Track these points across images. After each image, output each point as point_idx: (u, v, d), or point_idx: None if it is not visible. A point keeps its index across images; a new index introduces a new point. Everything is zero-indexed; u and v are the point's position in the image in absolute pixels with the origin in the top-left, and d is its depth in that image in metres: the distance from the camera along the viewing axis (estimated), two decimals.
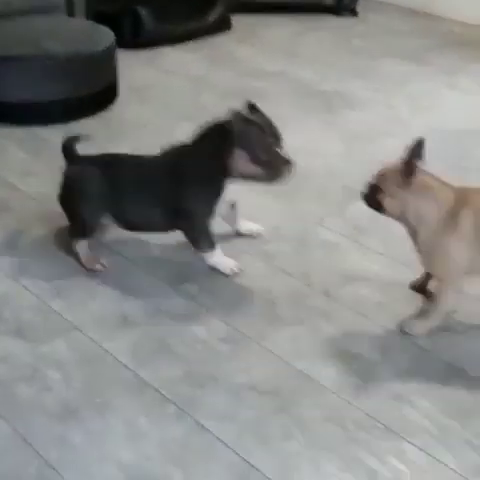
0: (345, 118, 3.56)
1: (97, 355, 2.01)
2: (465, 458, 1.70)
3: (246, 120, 2.19)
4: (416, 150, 1.99)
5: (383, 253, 2.45)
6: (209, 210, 2.27)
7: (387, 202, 2.03)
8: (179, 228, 2.33)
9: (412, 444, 1.73)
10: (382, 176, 2.05)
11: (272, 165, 2.19)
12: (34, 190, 2.80)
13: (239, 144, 2.17)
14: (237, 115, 2.18)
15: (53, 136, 3.22)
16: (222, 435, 1.75)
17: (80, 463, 1.68)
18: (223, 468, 1.67)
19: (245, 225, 2.52)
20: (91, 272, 2.35)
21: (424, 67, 4.23)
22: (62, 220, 2.44)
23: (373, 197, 2.07)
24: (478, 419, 1.81)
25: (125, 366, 1.97)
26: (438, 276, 2.07)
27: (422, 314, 2.12)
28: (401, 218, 2.05)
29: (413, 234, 2.06)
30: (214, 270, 2.33)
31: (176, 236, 2.50)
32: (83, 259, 2.37)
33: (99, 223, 2.36)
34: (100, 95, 3.51)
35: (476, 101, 3.79)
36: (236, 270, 2.32)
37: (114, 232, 2.53)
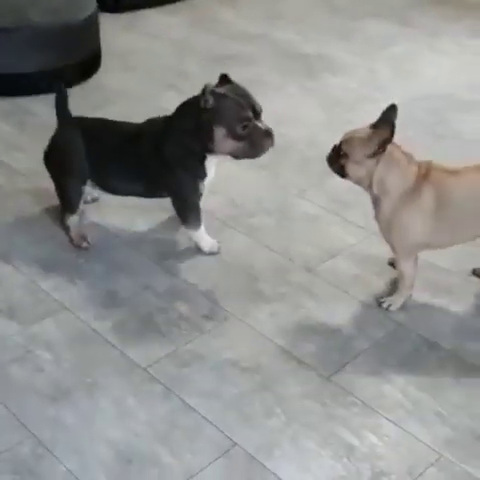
0: (326, 83, 3.59)
1: (86, 335, 2.08)
2: (437, 431, 1.80)
3: (220, 95, 2.13)
4: (391, 119, 1.99)
5: (363, 226, 2.52)
6: (196, 188, 2.29)
7: (350, 168, 2.05)
8: (165, 197, 2.36)
9: (387, 419, 1.83)
10: (349, 141, 2.04)
11: (253, 139, 2.16)
12: (22, 166, 2.83)
13: (216, 121, 2.13)
14: (211, 91, 2.12)
15: (38, 107, 3.24)
16: (207, 413, 1.83)
17: (72, 442, 1.76)
18: (207, 445, 1.75)
19: None
20: (77, 249, 2.41)
21: (406, 28, 4.24)
22: (51, 196, 2.49)
23: (337, 161, 2.08)
24: (449, 392, 1.91)
25: (113, 345, 2.04)
26: (393, 247, 2.11)
27: (394, 289, 2.20)
28: (363, 184, 2.08)
29: (375, 201, 2.10)
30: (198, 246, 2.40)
31: (161, 213, 2.56)
32: (72, 235, 2.43)
33: (83, 189, 2.39)
34: (84, 64, 3.52)
35: (456, 64, 3.82)
36: (215, 250, 2.38)
37: (101, 209, 2.59)
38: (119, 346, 2.04)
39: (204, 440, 1.77)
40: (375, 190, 2.05)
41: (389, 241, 2.12)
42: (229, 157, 2.24)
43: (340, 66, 3.76)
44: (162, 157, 2.25)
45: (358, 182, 2.08)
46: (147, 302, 2.20)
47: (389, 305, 2.16)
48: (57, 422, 1.81)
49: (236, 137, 2.14)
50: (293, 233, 2.51)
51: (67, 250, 2.41)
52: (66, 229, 2.45)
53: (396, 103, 2.00)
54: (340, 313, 2.16)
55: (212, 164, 2.28)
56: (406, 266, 2.12)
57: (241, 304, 2.19)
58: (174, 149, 2.24)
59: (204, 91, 2.12)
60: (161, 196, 2.37)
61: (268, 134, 2.16)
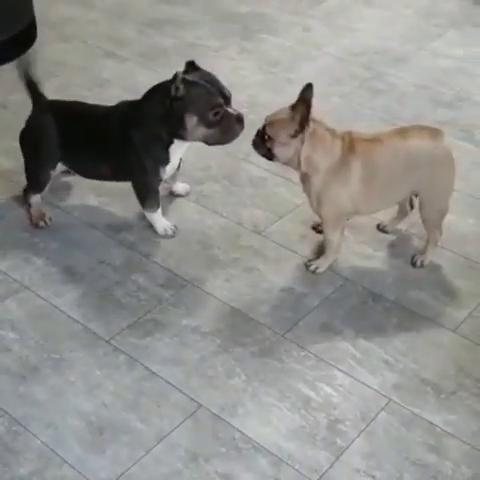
0: (263, 43, 3.64)
1: (48, 312, 2.15)
2: (385, 378, 1.94)
3: (191, 83, 2.15)
4: (306, 97, 2.01)
5: None
6: (157, 173, 2.31)
7: (277, 150, 2.10)
8: (128, 180, 2.40)
9: (339, 370, 1.96)
10: (272, 124, 2.09)
11: (224, 125, 2.18)
12: None
13: (188, 109, 2.15)
14: (182, 79, 2.13)
15: None
16: (171, 378, 1.94)
17: (45, 417, 1.85)
18: (174, 409, 1.86)
19: (178, 186, 2.60)
20: (33, 227, 2.45)
21: None
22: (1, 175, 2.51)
23: (263, 144, 2.13)
24: (395, 340, 2.05)
25: (75, 320, 2.12)
26: (323, 218, 2.20)
27: (320, 252, 2.30)
28: (292, 165, 2.14)
29: (303, 178, 2.17)
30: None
31: (111, 187, 2.62)
32: (32, 212, 2.47)
33: (51, 173, 2.43)
34: (20, 37, 3.48)
35: (390, 18, 3.90)
36: (170, 232, 2.40)
37: (51, 187, 2.63)
38: (81, 321, 2.12)
39: (171, 404, 1.88)
40: (303, 168, 2.12)
41: (319, 213, 2.20)
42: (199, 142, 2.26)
43: (276, 26, 3.81)
44: (127, 140, 2.27)
45: (287, 163, 2.14)
46: (104, 276, 2.28)
47: (316, 268, 2.26)
48: (29, 399, 1.89)
49: (208, 124, 2.17)
50: (241, 198, 2.60)
51: (20, 230, 2.45)
52: (27, 206, 2.48)
53: (312, 82, 2.02)
54: (290, 273, 2.28)
55: (176, 150, 2.30)
56: (334, 235, 2.21)
57: (196, 271, 2.28)
58: (140, 134, 2.26)
59: (175, 79, 2.13)
60: (128, 180, 2.39)
61: (239, 119, 2.19)
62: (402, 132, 2.11)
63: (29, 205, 2.48)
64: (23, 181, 2.66)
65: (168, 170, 2.35)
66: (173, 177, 2.53)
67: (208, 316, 2.13)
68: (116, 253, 2.36)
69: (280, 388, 1.91)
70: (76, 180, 2.61)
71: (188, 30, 3.74)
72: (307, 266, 2.27)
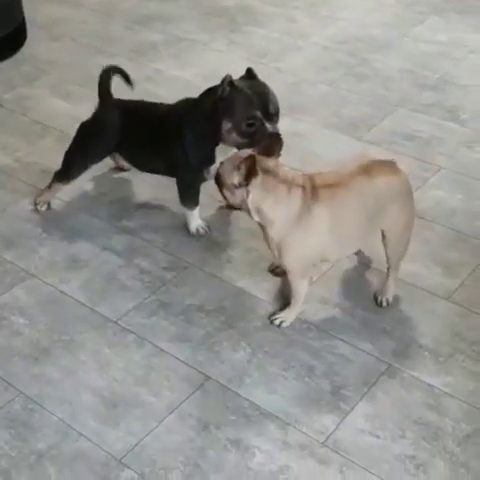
0: (250, 35, 3.72)
1: (55, 297, 2.22)
2: (384, 345, 2.02)
3: (236, 88, 2.15)
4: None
5: (299, 169, 2.69)
6: (200, 172, 2.34)
7: (225, 193, 2.00)
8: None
9: (340, 339, 2.04)
10: (222, 166, 1.99)
11: (256, 139, 2.13)
12: None
13: (225, 113, 2.16)
14: (229, 82, 2.15)
15: None
16: (179, 354, 2.01)
17: (59, 395, 1.92)
18: (183, 382, 1.94)
19: None
20: (33, 206, 2.55)
21: None
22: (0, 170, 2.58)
23: (218, 185, 2.02)
24: (391, 309, 2.14)
25: (83, 304, 2.19)
26: (288, 270, 2.04)
27: (285, 304, 2.14)
28: (243, 210, 2.00)
29: (259, 225, 2.02)
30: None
31: (110, 175, 2.68)
32: (43, 195, 2.56)
33: (88, 167, 2.50)
34: (9, 38, 3.54)
35: (372, 7, 3.99)
36: (201, 231, 2.45)
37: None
38: (88, 304, 2.19)
39: (179, 378, 1.95)
40: (256, 218, 1.97)
41: (283, 264, 2.04)
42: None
43: (261, 18, 3.89)
44: (178, 136, 2.31)
45: (239, 207, 2.03)
46: (108, 261, 2.35)
47: (281, 322, 2.10)
48: (42, 378, 1.96)
49: (240, 133, 2.16)
50: None
51: (22, 221, 2.52)
52: (46, 187, 2.55)
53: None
54: None
55: (222, 152, 2.25)
56: (302, 285, 2.07)
57: (198, 254, 2.36)
58: (190, 131, 2.29)
59: (224, 81, 2.15)
60: (175, 175, 2.42)
61: (272, 136, 2.12)
62: (365, 171, 1.96)
63: (49, 187, 2.54)
64: (22, 175, 2.75)
65: (212, 171, 2.32)
66: None
67: (211, 295, 2.21)
68: (118, 240, 2.43)
69: (284, 358, 1.99)
70: None
71: (176, 25, 3.82)
72: (271, 321, 2.10)
